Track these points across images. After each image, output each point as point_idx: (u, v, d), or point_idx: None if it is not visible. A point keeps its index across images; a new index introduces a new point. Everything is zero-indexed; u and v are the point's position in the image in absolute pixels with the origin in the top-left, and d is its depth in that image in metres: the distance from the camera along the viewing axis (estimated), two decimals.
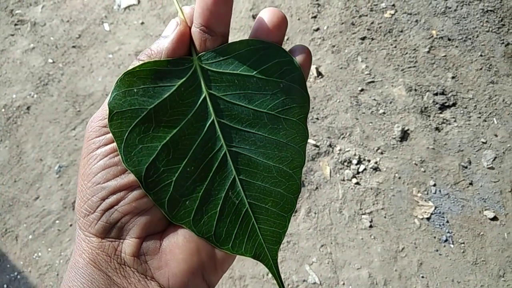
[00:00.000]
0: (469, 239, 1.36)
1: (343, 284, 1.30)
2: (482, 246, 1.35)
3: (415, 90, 1.61)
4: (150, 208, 0.29)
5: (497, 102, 1.58)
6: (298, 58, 0.29)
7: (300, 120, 0.30)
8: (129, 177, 0.28)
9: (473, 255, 1.34)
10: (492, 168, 1.47)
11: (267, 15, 0.28)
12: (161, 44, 0.28)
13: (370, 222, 1.40)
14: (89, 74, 1.77)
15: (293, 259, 1.34)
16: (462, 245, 1.36)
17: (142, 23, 1.91)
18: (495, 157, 1.49)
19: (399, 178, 1.47)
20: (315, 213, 1.41)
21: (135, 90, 0.27)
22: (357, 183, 1.45)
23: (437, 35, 1.71)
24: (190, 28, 0.29)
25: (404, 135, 1.53)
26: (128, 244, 0.29)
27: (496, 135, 1.52)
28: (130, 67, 0.28)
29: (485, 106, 1.58)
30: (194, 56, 0.29)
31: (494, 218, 1.38)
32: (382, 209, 1.42)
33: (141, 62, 0.28)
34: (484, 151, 1.50)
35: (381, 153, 1.50)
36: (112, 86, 1.60)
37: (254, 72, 0.29)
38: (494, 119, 1.55)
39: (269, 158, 0.30)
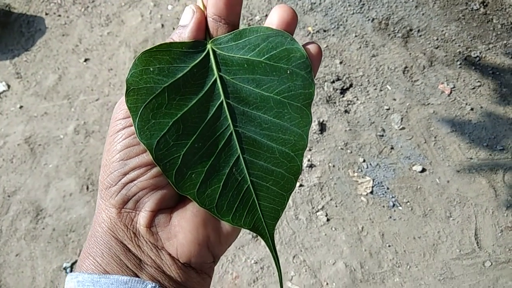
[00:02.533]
0: (411, 196, 1.49)
1: (327, 284, 1.32)
2: (424, 197, 1.48)
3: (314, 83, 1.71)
4: (165, 186, 0.32)
5: (384, 71, 1.76)
6: (307, 49, 0.31)
7: (304, 106, 0.31)
8: (149, 157, 0.30)
9: (420, 209, 1.46)
10: (403, 128, 1.63)
11: (278, 11, 0.30)
12: (182, 34, 0.30)
13: (326, 216, 1.44)
14: None
15: (273, 281, 1.32)
16: (408, 203, 1.47)
17: (21, 107, 1.74)
18: (402, 118, 1.65)
19: (333, 166, 1.54)
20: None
21: (151, 69, 0.29)
22: (301, 185, 1.49)
23: (313, 30, 1.84)
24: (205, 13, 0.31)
25: (323, 127, 1.62)
26: (142, 216, 0.31)
27: (394, 99, 1.69)
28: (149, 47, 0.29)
29: (376, 78, 1.74)
30: (208, 40, 0.31)
31: (423, 170, 1.53)
32: (331, 199, 1.48)
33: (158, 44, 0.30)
34: (390, 116, 1.66)
35: (310, 149, 1.57)
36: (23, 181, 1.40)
37: (263, 58, 0.30)
38: (388, 86, 1.72)
39: (273, 140, 0.32)
